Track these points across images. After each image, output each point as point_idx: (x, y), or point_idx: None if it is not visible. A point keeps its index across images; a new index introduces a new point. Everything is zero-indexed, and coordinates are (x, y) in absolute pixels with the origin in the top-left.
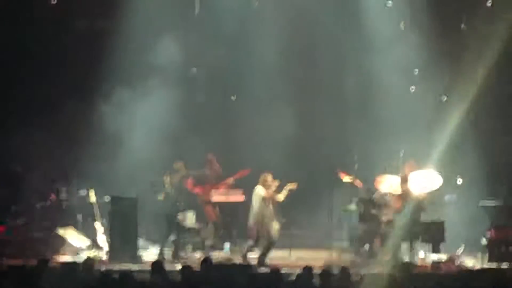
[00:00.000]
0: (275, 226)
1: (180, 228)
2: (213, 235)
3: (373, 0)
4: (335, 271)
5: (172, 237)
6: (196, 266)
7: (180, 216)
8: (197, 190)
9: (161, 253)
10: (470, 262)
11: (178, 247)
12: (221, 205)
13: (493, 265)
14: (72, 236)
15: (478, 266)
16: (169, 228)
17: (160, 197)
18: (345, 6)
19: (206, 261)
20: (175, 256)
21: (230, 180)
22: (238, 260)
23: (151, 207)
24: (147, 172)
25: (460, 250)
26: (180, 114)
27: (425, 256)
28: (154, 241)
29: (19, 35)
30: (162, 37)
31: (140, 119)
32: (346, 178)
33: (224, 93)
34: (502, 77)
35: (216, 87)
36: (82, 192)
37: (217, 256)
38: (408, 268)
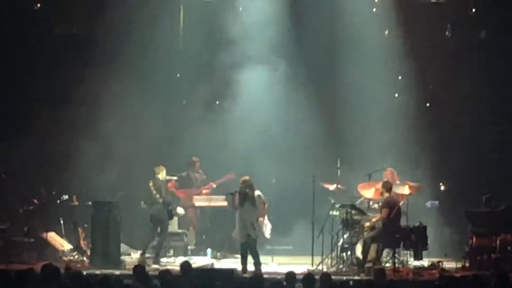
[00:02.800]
0: None
1: (165, 233)
2: (195, 240)
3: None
4: (317, 277)
5: (153, 242)
6: (177, 271)
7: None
8: (180, 194)
9: (143, 258)
10: (453, 269)
11: (159, 252)
12: (203, 210)
13: (475, 272)
14: (54, 240)
15: (460, 272)
16: (154, 233)
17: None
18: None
19: (186, 265)
20: (156, 261)
21: (214, 185)
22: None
23: (137, 211)
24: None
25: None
26: None
27: (407, 262)
28: (136, 246)
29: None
30: None
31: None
32: (331, 187)
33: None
34: (486, 84)
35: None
36: (65, 197)
37: (199, 261)
38: (382, 274)
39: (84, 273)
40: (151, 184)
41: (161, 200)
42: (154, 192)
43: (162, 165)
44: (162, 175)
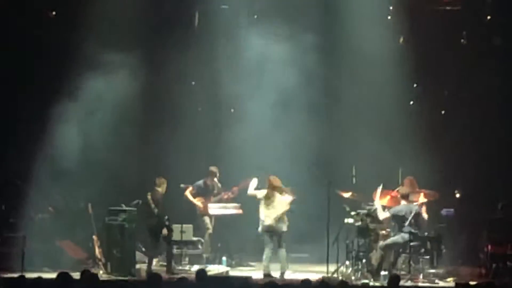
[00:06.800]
0: None
1: (169, 242)
2: (211, 248)
3: (373, 14)
4: (333, 284)
5: (163, 251)
6: (193, 279)
7: (164, 231)
8: (197, 201)
9: (169, 268)
10: (468, 277)
11: (170, 261)
12: (219, 218)
13: (491, 280)
14: (70, 249)
15: (475, 280)
16: (154, 243)
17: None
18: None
19: (201, 273)
20: (169, 269)
21: (235, 190)
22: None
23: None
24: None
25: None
26: None
27: (422, 270)
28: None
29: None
30: None
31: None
32: (346, 194)
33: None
34: (502, 90)
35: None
36: (80, 205)
37: (214, 269)
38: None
39: (99, 281)
40: (149, 197)
41: (157, 213)
42: (153, 206)
43: (163, 178)
44: (162, 188)
